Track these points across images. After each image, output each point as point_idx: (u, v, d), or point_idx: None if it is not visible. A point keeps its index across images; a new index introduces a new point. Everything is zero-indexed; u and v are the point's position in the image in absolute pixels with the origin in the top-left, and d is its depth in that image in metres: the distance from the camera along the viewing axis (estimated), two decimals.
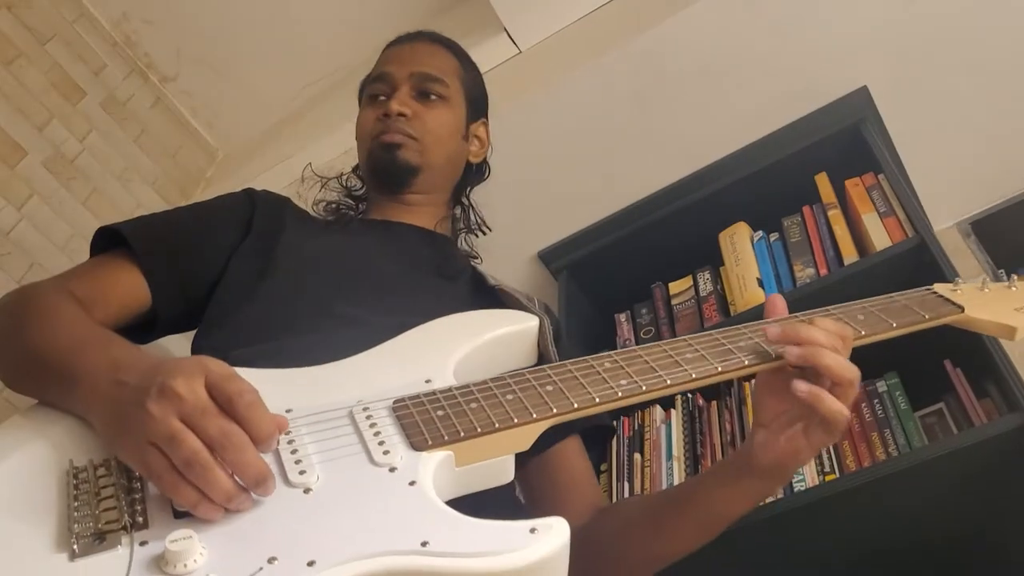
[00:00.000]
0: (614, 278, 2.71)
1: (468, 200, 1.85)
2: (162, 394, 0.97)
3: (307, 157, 2.52)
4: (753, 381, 2.04)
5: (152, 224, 1.56)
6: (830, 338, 1.18)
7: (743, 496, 1.26)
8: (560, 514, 0.99)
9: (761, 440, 1.22)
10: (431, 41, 1.81)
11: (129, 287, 1.46)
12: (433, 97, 1.72)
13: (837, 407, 1.15)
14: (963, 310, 1.35)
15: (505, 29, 2.66)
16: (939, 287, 1.42)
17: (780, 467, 1.22)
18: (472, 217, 1.84)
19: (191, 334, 1.54)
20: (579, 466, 1.55)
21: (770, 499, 1.92)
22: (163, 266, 1.49)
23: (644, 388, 1.16)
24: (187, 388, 0.97)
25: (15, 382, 1.25)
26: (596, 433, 1.64)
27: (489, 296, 1.64)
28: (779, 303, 1.29)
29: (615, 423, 2.29)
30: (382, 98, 1.72)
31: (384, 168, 1.68)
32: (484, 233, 1.86)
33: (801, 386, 1.15)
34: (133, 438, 0.99)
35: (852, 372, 1.17)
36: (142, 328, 1.50)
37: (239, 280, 1.52)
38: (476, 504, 1.06)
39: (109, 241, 1.51)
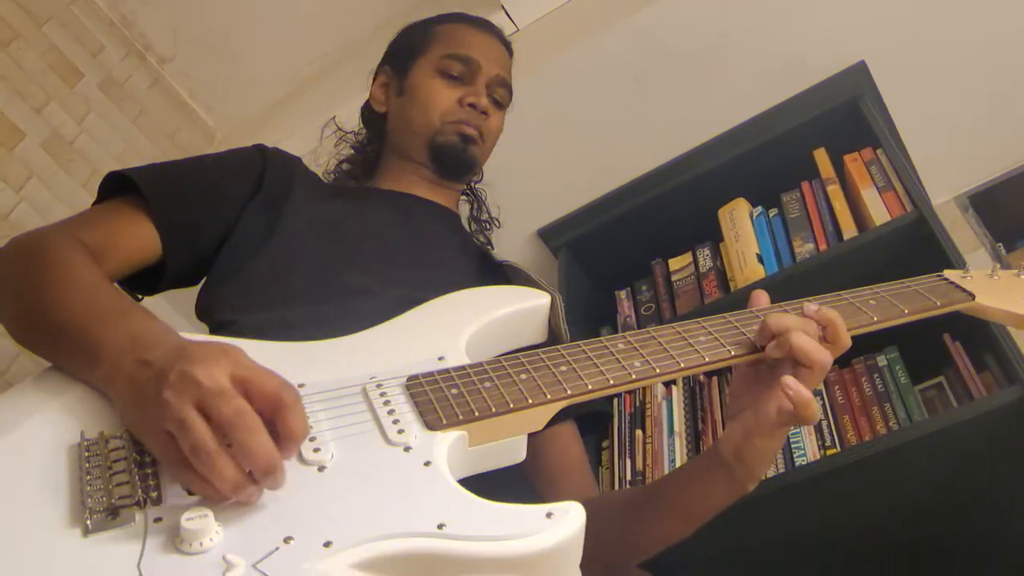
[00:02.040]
0: (614, 255, 2.72)
1: (476, 192, 1.88)
2: (181, 380, 0.96)
3: (305, 137, 2.53)
4: None
5: (164, 173, 1.53)
6: (803, 323, 1.18)
7: (715, 489, 1.25)
8: (551, 499, 1.00)
9: (727, 432, 1.23)
10: (503, 43, 1.84)
11: (139, 237, 1.43)
12: (498, 101, 1.76)
13: (815, 411, 1.14)
14: (974, 298, 1.35)
15: (502, 6, 2.66)
16: (949, 273, 1.41)
17: (740, 458, 1.20)
18: (485, 213, 1.87)
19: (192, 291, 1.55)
20: (573, 452, 1.55)
21: (771, 474, 1.94)
22: (175, 217, 1.46)
23: (658, 370, 1.16)
24: (206, 374, 0.96)
25: (27, 340, 1.22)
26: (591, 419, 1.64)
27: (496, 272, 1.64)
28: (762, 297, 1.29)
29: (616, 399, 2.30)
30: (458, 78, 1.73)
31: (454, 156, 1.70)
32: (496, 226, 1.88)
33: (791, 383, 1.14)
34: (149, 424, 0.98)
35: (823, 355, 1.15)
36: (148, 279, 1.48)
37: (248, 237, 1.51)
38: (486, 483, 1.07)
39: (118, 187, 1.49)
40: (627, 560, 1.38)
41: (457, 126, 1.69)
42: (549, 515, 0.96)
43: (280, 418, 0.98)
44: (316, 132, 2.03)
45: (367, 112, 1.86)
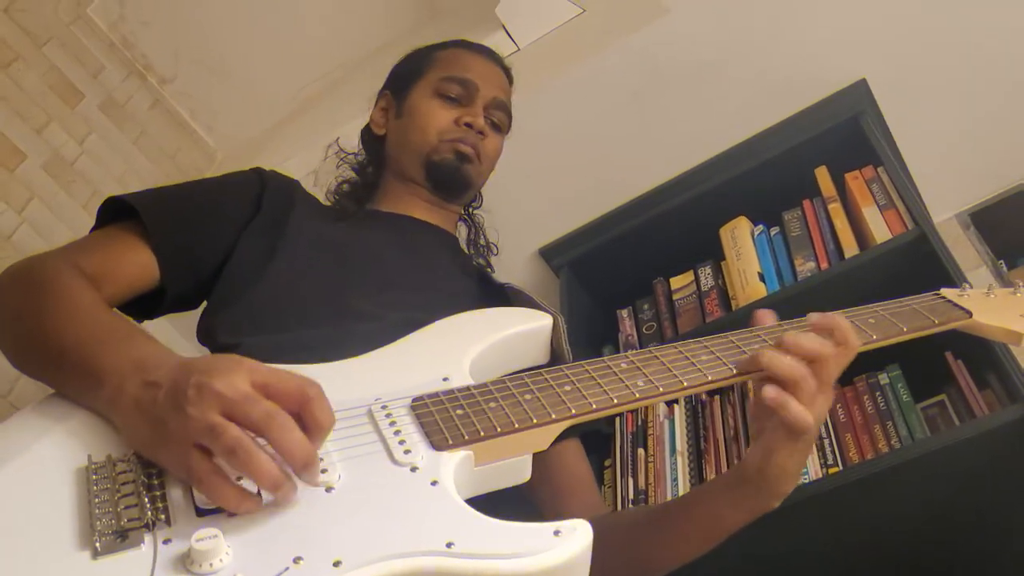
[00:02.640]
0: (615, 274, 2.72)
1: (473, 218, 1.90)
2: (200, 394, 0.96)
3: (306, 157, 2.54)
4: None
5: (163, 198, 1.54)
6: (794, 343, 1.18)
7: (738, 506, 1.26)
8: (558, 516, 1.00)
9: (749, 452, 1.24)
10: (503, 69, 1.86)
11: (138, 263, 1.44)
12: (496, 124, 1.78)
13: (798, 412, 1.14)
14: (971, 315, 1.36)
15: (503, 26, 2.67)
16: (946, 292, 1.42)
17: (763, 476, 1.21)
18: (483, 238, 1.88)
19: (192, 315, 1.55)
20: (580, 470, 1.56)
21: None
22: (174, 242, 1.47)
23: (661, 389, 1.16)
24: (225, 384, 0.96)
25: (27, 366, 1.22)
26: (590, 439, 1.64)
27: (497, 294, 1.65)
28: (767, 316, 1.29)
29: (618, 418, 2.30)
30: (455, 100, 1.74)
31: (449, 173, 1.71)
32: (494, 253, 1.89)
33: (769, 391, 1.15)
34: (175, 443, 0.97)
35: (792, 370, 1.15)
36: (147, 303, 1.49)
37: (248, 259, 1.51)
38: (491, 502, 1.07)
39: (116, 212, 1.49)
40: None
41: (453, 144, 1.70)
42: (557, 533, 0.96)
43: (306, 411, 0.99)
44: (317, 152, 2.04)
45: (366, 135, 1.87)
